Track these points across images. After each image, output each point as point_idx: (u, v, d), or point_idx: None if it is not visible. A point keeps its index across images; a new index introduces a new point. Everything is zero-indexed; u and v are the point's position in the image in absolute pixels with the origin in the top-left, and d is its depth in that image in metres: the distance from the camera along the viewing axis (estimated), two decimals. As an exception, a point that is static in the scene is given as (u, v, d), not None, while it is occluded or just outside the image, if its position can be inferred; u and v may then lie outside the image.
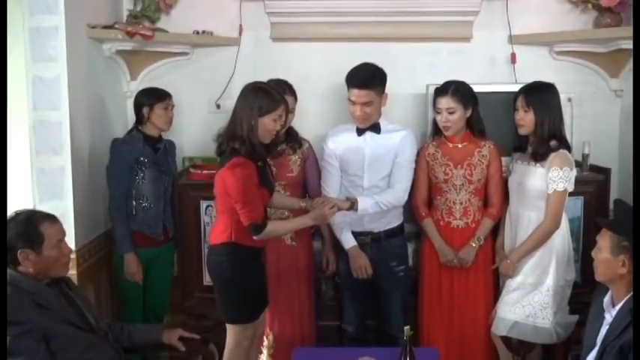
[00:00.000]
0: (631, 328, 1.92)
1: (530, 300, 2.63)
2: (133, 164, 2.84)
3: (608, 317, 2.06)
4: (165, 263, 3.04)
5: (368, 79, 2.64)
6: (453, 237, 2.79)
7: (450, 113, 2.68)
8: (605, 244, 2.04)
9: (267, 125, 2.38)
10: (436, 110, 2.72)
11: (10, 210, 2.14)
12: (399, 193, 2.71)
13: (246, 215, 2.35)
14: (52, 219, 2.15)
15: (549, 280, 2.63)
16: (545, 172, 2.58)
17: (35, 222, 2.08)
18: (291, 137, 2.84)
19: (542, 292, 2.62)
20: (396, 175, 2.73)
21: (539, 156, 2.59)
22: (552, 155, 2.58)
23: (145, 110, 2.87)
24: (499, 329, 2.66)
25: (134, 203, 2.86)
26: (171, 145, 3.04)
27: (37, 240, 2.05)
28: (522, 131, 2.65)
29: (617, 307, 2.02)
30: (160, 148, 2.93)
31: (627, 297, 2.00)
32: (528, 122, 2.62)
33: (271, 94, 2.40)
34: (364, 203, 2.62)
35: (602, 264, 2.06)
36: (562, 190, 2.56)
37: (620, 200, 2.25)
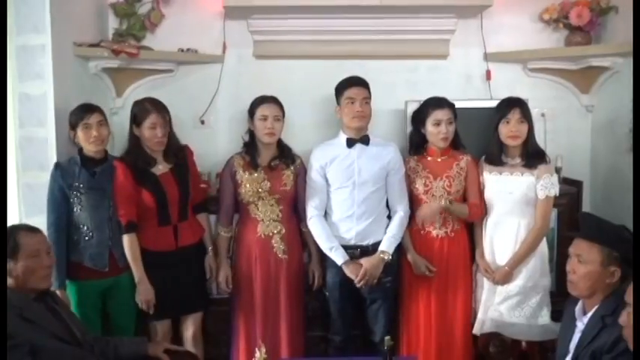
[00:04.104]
0: (602, 334, 1.99)
1: (529, 302, 2.73)
2: (67, 191, 2.64)
3: (580, 325, 2.12)
4: (125, 292, 2.74)
5: (364, 80, 2.83)
6: (433, 246, 2.86)
7: (450, 124, 2.79)
8: (593, 258, 2.07)
9: (145, 134, 2.69)
10: (434, 122, 2.78)
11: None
12: (405, 215, 2.86)
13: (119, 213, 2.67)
14: (31, 230, 2.18)
15: (546, 281, 2.77)
16: (533, 180, 2.70)
17: (13, 232, 2.13)
18: (284, 152, 2.91)
19: (539, 293, 2.74)
20: (395, 197, 2.86)
21: (533, 165, 2.72)
22: (542, 164, 2.72)
23: (71, 134, 2.69)
24: (489, 329, 2.75)
25: (74, 233, 2.66)
26: None
27: (13, 249, 2.08)
28: (516, 142, 2.73)
29: (589, 315, 2.09)
30: (97, 172, 2.68)
31: (597, 305, 2.07)
32: (523, 133, 2.72)
33: (140, 105, 2.72)
34: (388, 246, 2.79)
35: (589, 277, 2.07)
36: (553, 195, 2.72)
37: (587, 213, 2.33)
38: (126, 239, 2.66)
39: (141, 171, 2.70)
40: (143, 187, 2.69)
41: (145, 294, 2.68)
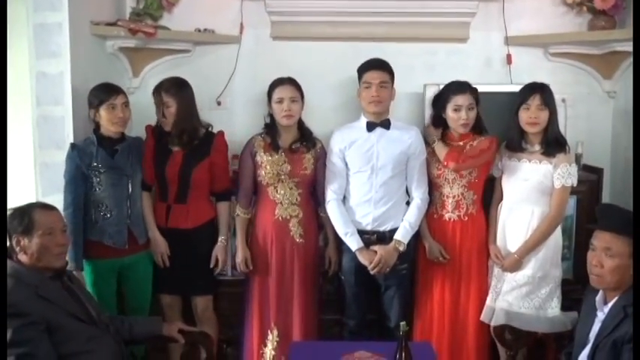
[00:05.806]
0: (623, 324, 1.97)
1: (538, 293, 2.71)
2: (86, 171, 2.64)
3: (601, 315, 2.10)
4: (142, 271, 2.84)
5: (384, 62, 2.80)
6: (447, 230, 2.84)
7: (471, 109, 2.75)
8: (622, 250, 2.02)
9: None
10: (454, 108, 2.75)
11: (14, 204, 2.19)
12: (423, 203, 2.83)
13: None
14: (48, 208, 2.20)
15: (557, 272, 2.73)
16: (551, 168, 2.66)
17: (29, 209, 2.14)
18: (305, 136, 2.89)
19: (549, 284, 2.71)
20: (414, 182, 2.83)
21: (551, 153, 2.67)
22: (561, 153, 2.67)
23: (92, 113, 2.68)
24: (501, 321, 2.70)
25: (93, 212, 2.66)
26: (135, 145, 2.81)
27: (28, 226, 2.09)
28: (535, 129, 2.69)
29: (610, 304, 2.07)
30: (118, 150, 2.71)
31: (619, 295, 2.05)
32: (543, 120, 2.67)
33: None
34: (403, 236, 2.77)
35: (618, 271, 2.03)
36: (570, 185, 2.67)
37: (609, 204, 2.28)
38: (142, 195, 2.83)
39: (162, 143, 2.82)
40: (155, 158, 2.82)
41: (157, 247, 2.81)
